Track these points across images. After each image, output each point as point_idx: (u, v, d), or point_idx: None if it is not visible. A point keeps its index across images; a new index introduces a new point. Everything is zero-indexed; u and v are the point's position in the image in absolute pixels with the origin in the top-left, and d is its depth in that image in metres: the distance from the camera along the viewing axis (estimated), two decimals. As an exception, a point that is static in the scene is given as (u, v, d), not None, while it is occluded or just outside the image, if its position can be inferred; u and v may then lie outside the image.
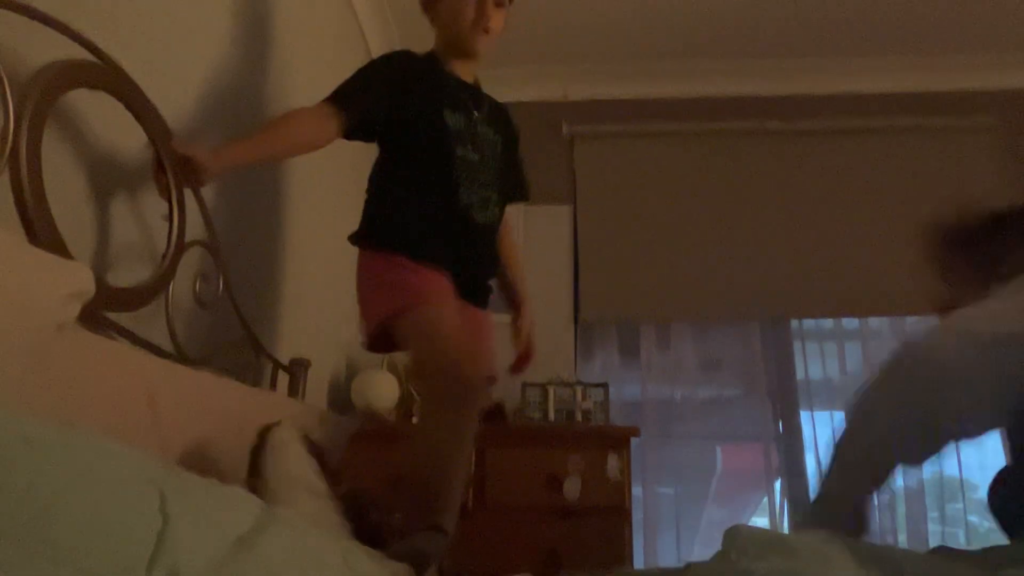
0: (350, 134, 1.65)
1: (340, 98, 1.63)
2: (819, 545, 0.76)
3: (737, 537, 0.77)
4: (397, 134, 1.70)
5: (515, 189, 1.91)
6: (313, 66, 2.31)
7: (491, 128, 1.81)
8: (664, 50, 3.26)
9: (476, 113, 1.78)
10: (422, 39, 1.85)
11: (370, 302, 1.62)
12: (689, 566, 0.86)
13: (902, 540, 2.78)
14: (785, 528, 2.94)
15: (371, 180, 1.75)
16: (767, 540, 0.76)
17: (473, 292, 1.73)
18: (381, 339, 1.61)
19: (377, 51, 2.99)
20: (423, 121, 1.69)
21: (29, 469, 0.38)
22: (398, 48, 1.85)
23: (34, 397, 0.69)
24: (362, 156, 2.99)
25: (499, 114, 1.87)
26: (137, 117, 1.29)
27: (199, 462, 1.12)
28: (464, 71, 1.82)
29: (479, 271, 1.76)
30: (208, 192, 1.55)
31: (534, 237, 3.14)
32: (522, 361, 1.85)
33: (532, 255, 2.89)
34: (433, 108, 1.70)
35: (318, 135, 1.60)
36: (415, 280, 1.55)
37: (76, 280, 0.88)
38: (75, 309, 0.86)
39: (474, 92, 1.82)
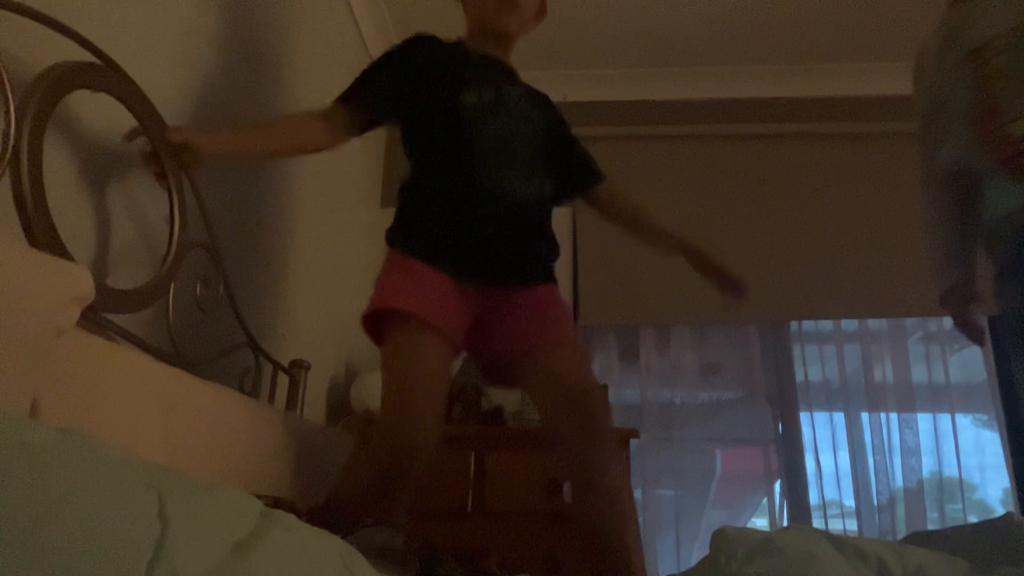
0: (363, 130, 1.62)
1: (347, 95, 1.60)
2: (806, 544, 0.77)
3: (725, 541, 0.78)
4: (415, 123, 1.64)
5: (583, 172, 1.83)
6: (312, 68, 2.31)
7: (530, 105, 1.72)
8: (662, 53, 3.26)
9: (510, 88, 1.68)
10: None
11: (373, 295, 1.55)
12: None
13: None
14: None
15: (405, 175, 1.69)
16: (754, 542, 0.77)
17: (511, 273, 1.59)
18: (376, 335, 1.53)
19: (376, 52, 2.99)
20: (437, 103, 1.60)
21: (27, 474, 0.38)
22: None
23: (35, 401, 0.69)
24: (365, 160, 2.99)
25: (539, 99, 1.78)
26: (138, 119, 1.29)
27: (197, 467, 1.12)
28: (498, 54, 1.73)
29: (519, 251, 1.60)
30: (209, 195, 1.55)
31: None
32: (731, 288, 1.85)
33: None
34: (448, 88, 1.61)
35: (321, 136, 1.56)
36: (406, 285, 1.47)
37: (76, 283, 0.88)
38: (75, 312, 0.86)
39: (507, 70, 1.73)
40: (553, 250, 1.72)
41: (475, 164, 1.56)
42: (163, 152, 1.32)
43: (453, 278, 1.51)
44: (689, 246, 1.84)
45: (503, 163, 1.59)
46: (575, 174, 1.82)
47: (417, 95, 1.62)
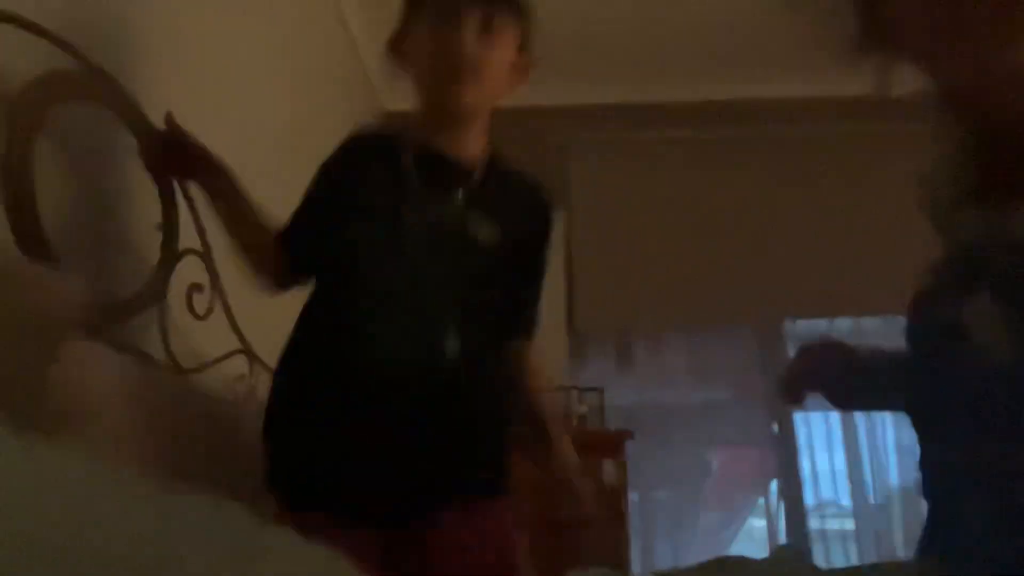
0: (299, 283, 1.33)
1: (285, 231, 1.32)
2: None
3: None
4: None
5: (514, 318, 1.32)
6: (304, 81, 2.30)
7: (483, 219, 1.23)
8: (655, 57, 3.26)
9: (446, 203, 1.23)
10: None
11: None
12: None
13: (899, 541, 2.79)
14: (782, 528, 2.94)
15: None
16: None
17: (409, 497, 1.14)
18: None
19: (379, 84, 2.99)
20: (333, 244, 1.26)
21: (28, 492, 0.38)
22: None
23: (30, 413, 0.69)
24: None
25: (511, 199, 1.30)
26: (131, 128, 1.28)
27: (196, 477, 1.11)
28: (454, 141, 1.26)
29: (429, 453, 1.14)
30: (202, 201, 1.54)
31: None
32: (571, 523, 1.35)
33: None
34: (348, 219, 1.25)
35: (267, 283, 1.36)
36: None
37: (69, 292, 0.88)
38: (69, 322, 0.86)
39: (454, 171, 1.25)
40: (484, 442, 1.23)
41: (365, 327, 1.20)
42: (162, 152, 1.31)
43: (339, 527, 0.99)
44: (543, 441, 1.33)
45: (403, 320, 1.19)
46: (503, 309, 1.29)
47: (321, 244, 1.28)
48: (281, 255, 1.31)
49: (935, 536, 0.72)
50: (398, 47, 1.30)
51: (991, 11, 0.64)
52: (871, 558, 2.73)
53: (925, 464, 0.75)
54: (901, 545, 2.78)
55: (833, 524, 2.96)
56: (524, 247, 1.30)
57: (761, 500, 3.07)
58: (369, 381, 1.15)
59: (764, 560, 0.73)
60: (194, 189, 1.46)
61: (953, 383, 0.68)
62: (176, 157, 1.32)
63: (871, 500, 2.89)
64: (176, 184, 1.41)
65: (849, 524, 2.95)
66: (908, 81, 0.78)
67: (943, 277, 0.74)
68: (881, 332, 3.09)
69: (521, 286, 1.32)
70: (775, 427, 3.06)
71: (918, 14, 0.70)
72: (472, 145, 1.27)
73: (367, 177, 1.28)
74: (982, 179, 0.72)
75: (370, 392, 1.15)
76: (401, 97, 3.46)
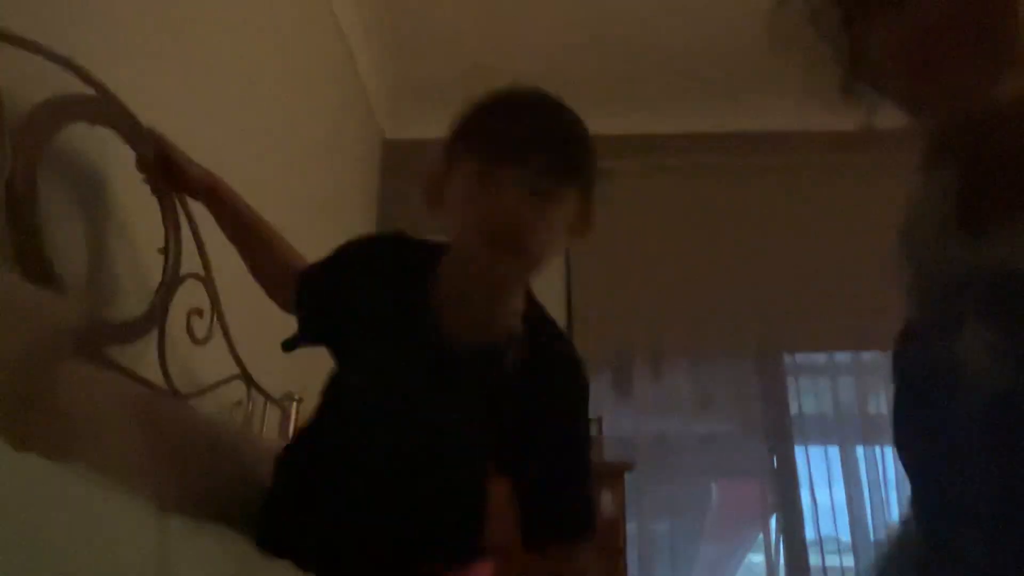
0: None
1: (301, 288, 1.23)
2: None
3: None
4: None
5: (553, 509, 1.09)
6: (310, 115, 2.32)
7: (507, 398, 1.08)
8: (655, 86, 3.29)
9: (470, 387, 1.08)
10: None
11: None
12: None
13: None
14: (781, 565, 2.91)
15: None
16: None
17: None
18: None
19: (381, 113, 3.01)
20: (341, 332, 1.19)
21: (27, 512, 0.38)
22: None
23: (30, 434, 0.69)
24: (360, 191, 3.00)
25: (541, 379, 1.09)
26: (136, 149, 1.29)
27: (194, 501, 1.11)
28: (476, 309, 1.08)
29: (415, 517, 1.10)
30: (204, 226, 1.55)
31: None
32: None
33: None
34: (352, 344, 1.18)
35: (278, 297, 1.31)
36: None
37: (68, 312, 0.88)
38: (69, 343, 0.86)
39: (479, 360, 1.07)
40: (468, 509, 1.16)
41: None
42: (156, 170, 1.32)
43: None
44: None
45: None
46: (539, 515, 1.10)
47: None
48: (296, 306, 1.25)
49: (933, 571, 0.71)
50: (435, 190, 1.07)
51: (967, 49, 0.66)
52: (871, 595, 2.69)
53: (921, 500, 0.74)
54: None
55: (833, 560, 2.93)
56: (553, 425, 1.09)
57: (760, 536, 3.04)
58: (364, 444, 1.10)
59: None
60: (198, 212, 1.47)
61: (951, 417, 0.68)
62: (170, 174, 1.33)
63: (871, 535, 2.86)
64: (180, 207, 1.41)
65: (849, 560, 2.92)
66: (898, 116, 0.80)
67: (928, 313, 0.75)
68: (880, 365, 3.08)
69: (553, 467, 1.08)
70: (775, 460, 3.04)
71: (897, 56, 0.72)
72: (507, 316, 1.08)
73: (395, 293, 1.11)
74: (964, 211, 0.73)
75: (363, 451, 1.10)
76: (400, 126, 3.47)
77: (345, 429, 1.13)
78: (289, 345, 1.24)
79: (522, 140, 0.99)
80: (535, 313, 1.13)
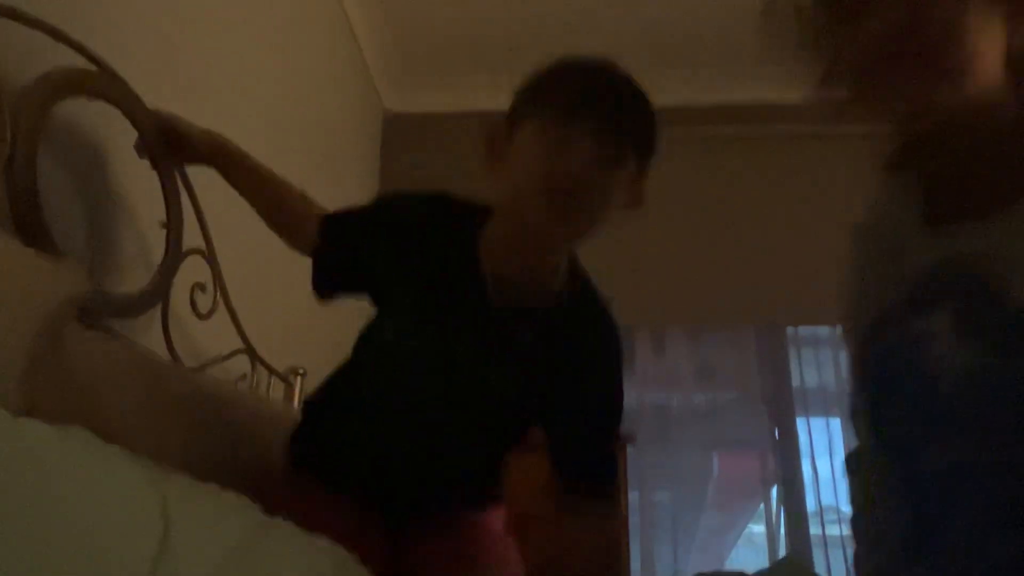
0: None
1: (328, 231, 1.22)
2: None
3: None
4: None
5: (573, 462, 1.17)
6: (309, 88, 2.31)
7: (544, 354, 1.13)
8: (653, 57, 3.26)
9: (509, 342, 1.12)
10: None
11: None
12: None
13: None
14: (782, 535, 2.94)
15: None
16: None
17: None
18: None
19: (382, 85, 2.99)
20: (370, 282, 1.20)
21: (29, 476, 0.38)
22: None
23: (36, 401, 0.70)
24: (362, 162, 2.99)
25: (577, 334, 1.15)
26: (136, 125, 1.29)
27: (199, 467, 1.12)
28: (523, 271, 1.11)
29: (442, 459, 1.18)
30: (206, 200, 1.55)
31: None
32: None
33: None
34: (387, 301, 1.20)
35: (303, 247, 1.28)
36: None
37: (72, 280, 0.89)
38: (72, 309, 0.87)
39: (523, 313, 1.10)
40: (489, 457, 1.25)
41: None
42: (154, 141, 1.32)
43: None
44: None
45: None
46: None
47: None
48: (313, 253, 1.25)
49: (922, 541, 0.72)
50: (497, 149, 1.06)
51: (918, 59, 0.69)
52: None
53: (903, 473, 0.76)
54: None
55: (833, 530, 2.96)
56: (592, 383, 1.15)
57: (761, 506, 3.06)
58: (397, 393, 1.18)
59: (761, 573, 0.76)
60: (199, 186, 1.47)
61: (924, 391, 0.71)
62: (176, 145, 1.33)
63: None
64: (180, 182, 1.41)
65: (849, 530, 2.94)
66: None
67: (897, 300, 0.79)
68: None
69: (579, 422, 1.16)
70: (776, 431, 3.05)
71: (858, 65, 0.75)
72: (553, 277, 1.11)
73: (443, 250, 1.13)
74: (934, 205, 0.77)
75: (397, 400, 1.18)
76: (401, 99, 3.44)
77: (385, 377, 1.18)
78: (318, 287, 1.24)
79: (594, 99, 0.99)
80: (579, 276, 1.17)
